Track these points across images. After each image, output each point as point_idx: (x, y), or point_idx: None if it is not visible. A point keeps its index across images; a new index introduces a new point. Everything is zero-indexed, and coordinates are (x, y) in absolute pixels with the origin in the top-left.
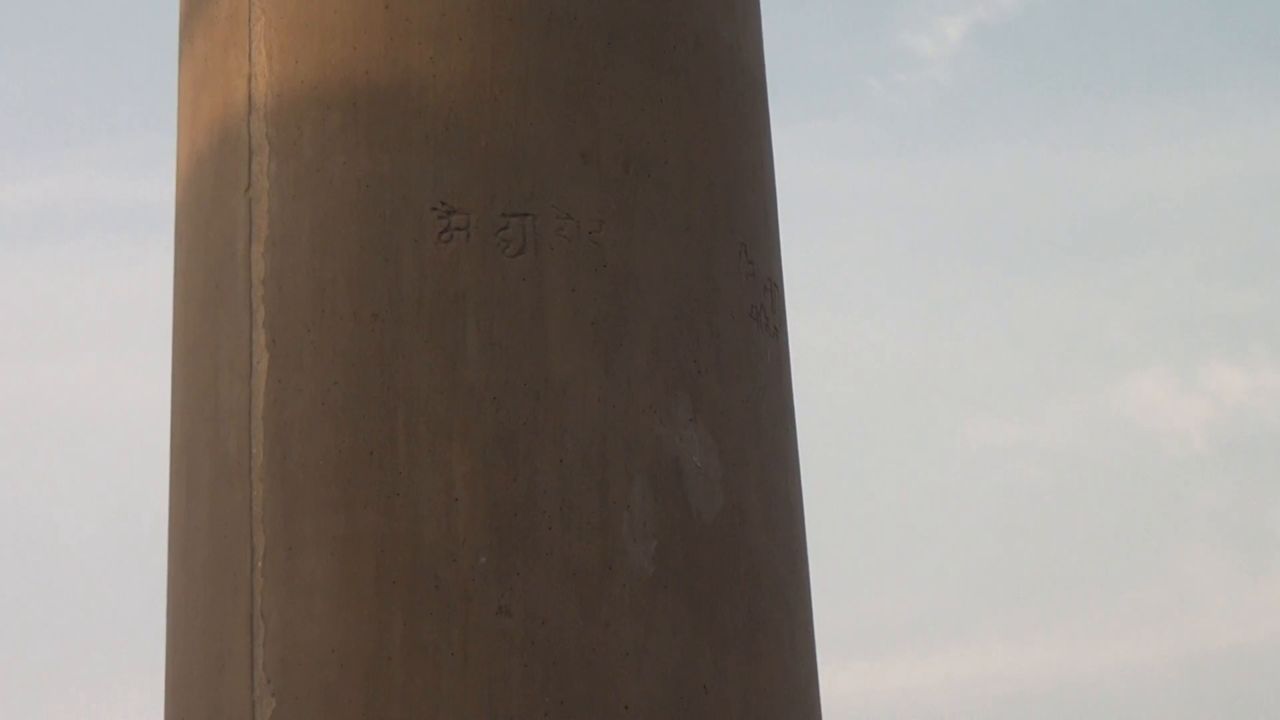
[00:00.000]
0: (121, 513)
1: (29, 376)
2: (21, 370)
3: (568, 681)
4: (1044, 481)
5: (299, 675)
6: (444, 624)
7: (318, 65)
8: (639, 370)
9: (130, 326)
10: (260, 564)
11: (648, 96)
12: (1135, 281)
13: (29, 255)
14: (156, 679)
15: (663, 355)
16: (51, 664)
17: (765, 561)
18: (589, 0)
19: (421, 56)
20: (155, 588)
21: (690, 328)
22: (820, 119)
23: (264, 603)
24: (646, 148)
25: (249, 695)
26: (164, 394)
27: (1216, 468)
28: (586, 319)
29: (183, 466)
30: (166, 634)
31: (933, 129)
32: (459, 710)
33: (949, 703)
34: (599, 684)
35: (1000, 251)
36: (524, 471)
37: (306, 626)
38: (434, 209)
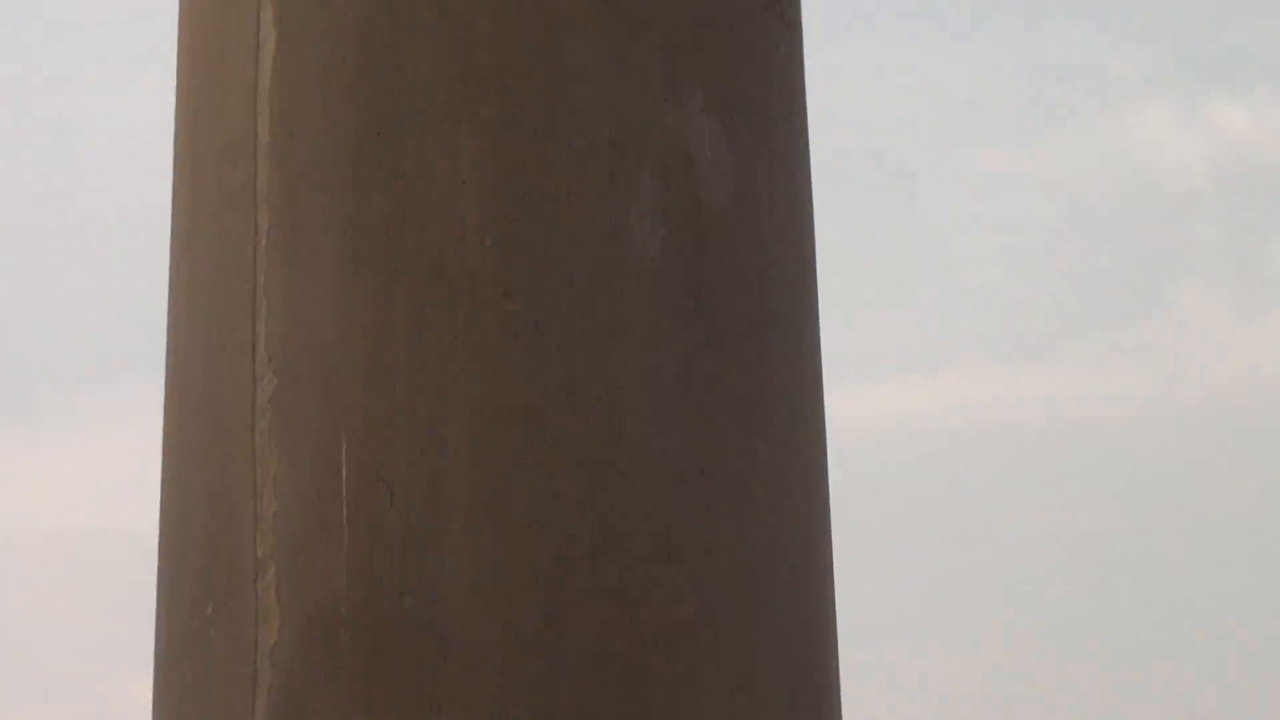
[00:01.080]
0: (122, 199)
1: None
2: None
3: (572, 370)
4: (1042, 214)
5: (301, 354)
6: (448, 306)
7: None
8: (651, 59)
9: (135, 30)
10: (264, 243)
11: None
12: (1140, 14)
13: None
14: (158, 362)
15: (675, 44)
16: (50, 358)
17: (774, 256)
18: None
19: None
20: (157, 277)
21: (704, 17)
22: None
23: (267, 281)
24: None
25: (250, 373)
26: (163, 94)
27: (1217, 204)
28: (600, 3)
29: (186, 147)
30: (168, 315)
31: None
32: (462, 392)
33: (941, 429)
34: (604, 375)
35: None
36: (532, 156)
37: (309, 306)
38: None
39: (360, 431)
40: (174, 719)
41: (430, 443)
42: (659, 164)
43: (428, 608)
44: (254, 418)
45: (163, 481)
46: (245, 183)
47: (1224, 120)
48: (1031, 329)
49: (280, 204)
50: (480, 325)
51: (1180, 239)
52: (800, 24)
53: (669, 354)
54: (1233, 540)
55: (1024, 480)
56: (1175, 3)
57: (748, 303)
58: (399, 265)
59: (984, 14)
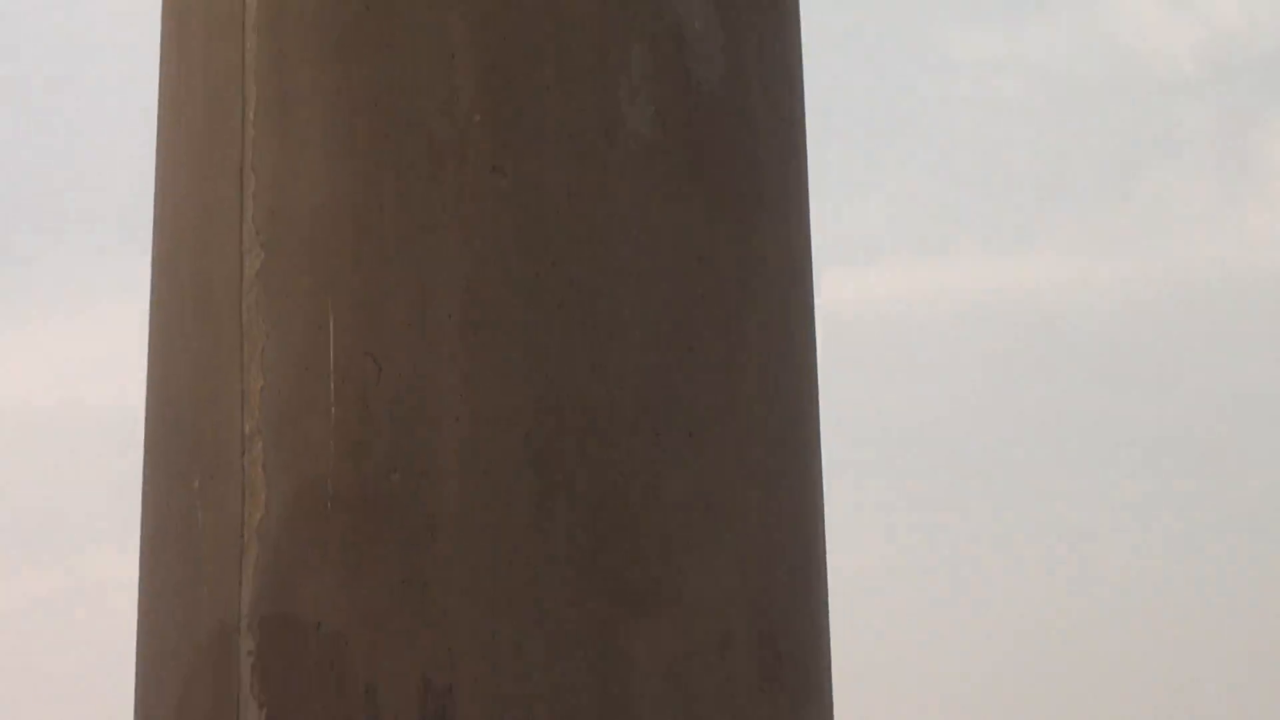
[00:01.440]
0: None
1: None
2: None
3: (562, 244)
4: (1029, 97)
5: (288, 228)
6: (436, 181)
7: None
8: None
9: None
10: (252, 116)
11: None
12: None
13: None
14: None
15: None
16: (37, 247)
17: (765, 133)
18: None
19: None
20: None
21: None
22: None
23: (254, 155)
24: None
25: (238, 248)
26: None
27: (1204, 90)
28: None
29: (173, 22)
30: (155, 189)
31: None
32: (449, 267)
33: (928, 312)
34: (593, 247)
35: None
36: (521, 31)
37: (297, 180)
38: None
39: (348, 306)
40: (162, 593)
41: (418, 317)
42: (649, 40)
43: (415, 483)
44: (241, 292)
45: (149, 356)
46: (233, 56)
47: (1212, 7)
48: (1014, 213)
49: (269, 77)
50: (469, 199)
51: (1166, 125)
52: None
53: (660, 227)
54: (1214, 418)
55: (1006, 366)
56: None
57: (739, 176)
58: (387, 139)
59: None
